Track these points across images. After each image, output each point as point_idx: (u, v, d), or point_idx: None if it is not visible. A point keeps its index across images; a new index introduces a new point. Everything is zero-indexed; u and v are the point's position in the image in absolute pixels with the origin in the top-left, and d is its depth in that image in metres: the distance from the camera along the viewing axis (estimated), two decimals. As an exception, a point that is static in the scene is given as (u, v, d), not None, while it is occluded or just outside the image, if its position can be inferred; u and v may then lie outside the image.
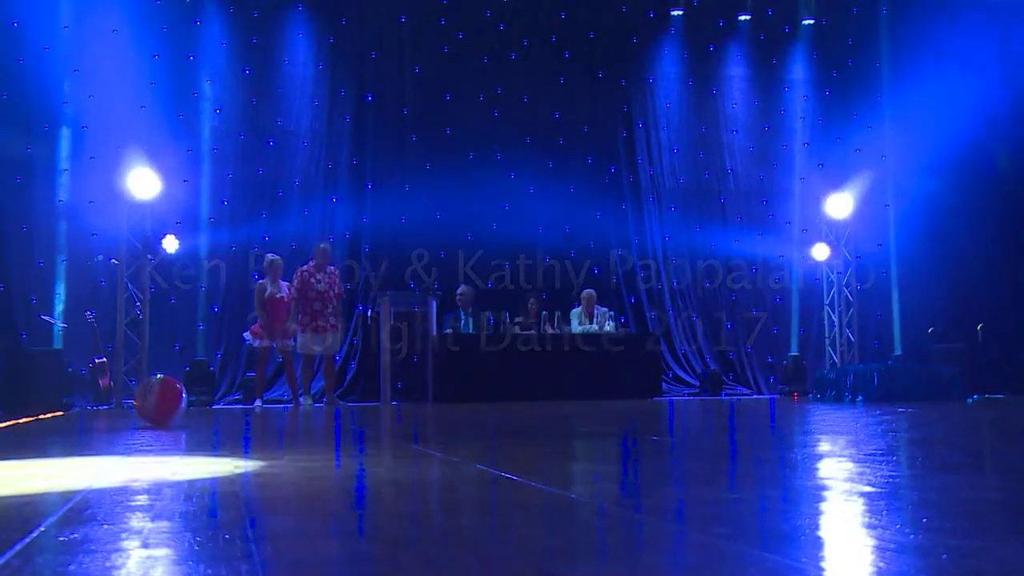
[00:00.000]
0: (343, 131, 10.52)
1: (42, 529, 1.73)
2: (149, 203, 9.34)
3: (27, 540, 1.60)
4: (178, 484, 2.44)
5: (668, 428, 4.81)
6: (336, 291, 9.13)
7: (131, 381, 9.07)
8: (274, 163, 10.27)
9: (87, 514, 1.93)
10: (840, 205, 10.88)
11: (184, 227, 9.73)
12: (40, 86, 9.55)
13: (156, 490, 2.30)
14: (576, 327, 10.03)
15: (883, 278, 11.38)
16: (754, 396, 10.60)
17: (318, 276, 9.04)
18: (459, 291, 10.02)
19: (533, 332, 9.94)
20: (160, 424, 5.19)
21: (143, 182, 9.14)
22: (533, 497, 2.15)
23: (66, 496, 2.22)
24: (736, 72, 11.73)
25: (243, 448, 3.68)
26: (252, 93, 10.26)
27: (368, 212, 10.57)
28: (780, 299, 11.38)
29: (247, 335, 9.09)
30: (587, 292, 10.23)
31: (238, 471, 2.74)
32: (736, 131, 11.58)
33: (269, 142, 10.31)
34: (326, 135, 10.48)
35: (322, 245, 9.17)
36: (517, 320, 10.09)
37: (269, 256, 9.15)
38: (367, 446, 3.90)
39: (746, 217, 11.39)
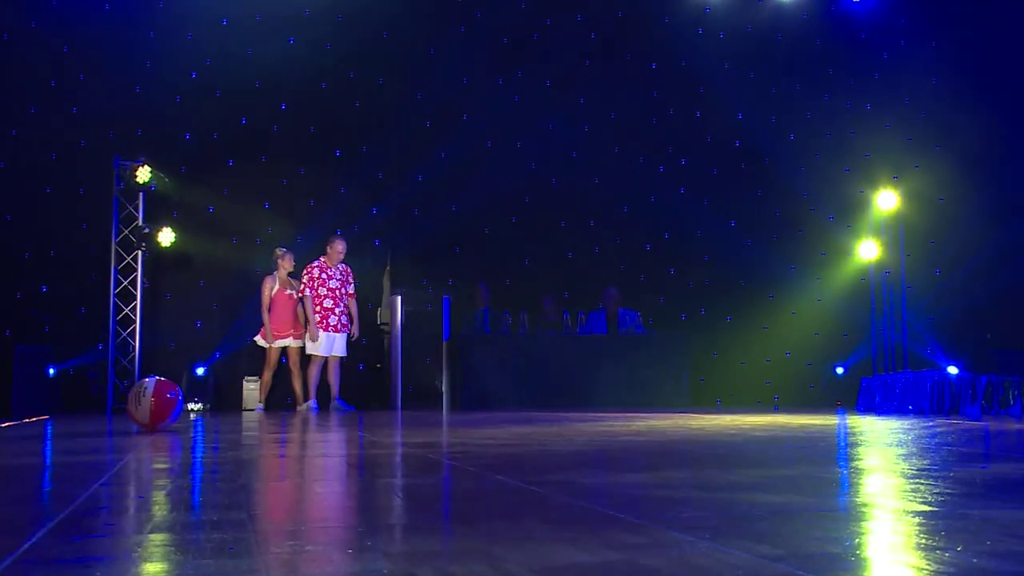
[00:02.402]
0: (351, 115, 10.50)
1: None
2: (143, 192, 9.40)
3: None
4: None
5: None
6: (348, 290, 9.15)
7: (123, 384, 9.12)
8: (278, 151, 10.29)
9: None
10: (889, 199, 10.77)
11: (181, 218, 9.78)
12: (25, 64, 9.62)
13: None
14: (599, 327, 9.99)
15: (935, 279, 11.25)
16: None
17: (330, 272, 9.06)
18: (478, 288, 10.03)
19: (554, 333, 9.92)
20: (154, 429, 5.21)
21: (137, 170, 9.20)
22: None
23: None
24: (776, 52, 11.62)
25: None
26: (255, 75, 10.26)
27: (379, 203, 10.56)
28: (821, 300, 11.27)
29: (257, 338, 9.15)
30: (610, 289, 10.20)
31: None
32: (774, 117, 11.47)
33: (272, 127, 10.32)
34: (333, 120, 10.47)
35: (336, 239, 9.18)
36: (536, 320, 10.08)
37: (278, 249, 9.20)
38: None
39: (785, 212, 11.28)
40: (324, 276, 9.04)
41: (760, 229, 11.17)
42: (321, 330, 9.00)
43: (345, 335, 9.16)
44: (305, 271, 9.09)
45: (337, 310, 9.07)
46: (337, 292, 9.07)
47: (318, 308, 9.02)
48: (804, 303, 11.18)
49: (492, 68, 10.97)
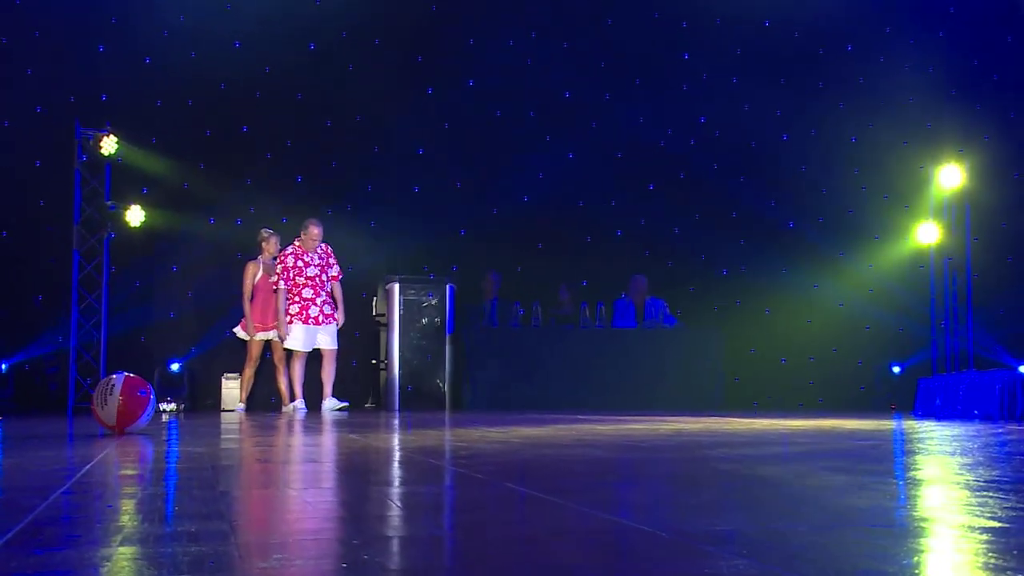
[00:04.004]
0: (344, 81, 10.49)
1: None
2: (109, 165, 9.42)
3: None
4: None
5: None
6: (331, 274, 9.14)
7: (87, 381, 9.16)
8: (261, 118, 10.30)
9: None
10: (953, 175, 10.69)
11: (152, 194, 9.80)
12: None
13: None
14: (623, 320, 9.99)
15: (1006, 266, 11.19)
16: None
17: (307, 258, 9.04)
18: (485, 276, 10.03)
19: (571, 326, 9.92)
20: (122, 432, 5.23)
21: (102, 140, 9.22)
22: None
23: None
24: (825, 8, 11.55)
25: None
26: (235, 33, 10.25)
27: (373, 180, 10.56)
28: (873, 290, 11.23)
29: (237, 329, 9.17)
30: (636, 277, 10.19)
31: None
32: (822, 82, 11.40)
33: (256, 93, 10.32)
34: (324, 85, 10.47)
35: (311, 223, 9.10)
36: (551, 311, 10.08)
37: (263, 231, 9.21)
38: None
39: (832, 190, 11.22)
40: (301, 264, 9.03)
41: (804, 209, 11.12)
42: (300, 322, 9.00)
43: (332, 326, 9.15)
44: (278, 260, 9.02)
45: (319, 300, 9.06)
46: (317, 280, 9.06)
47: (296, 299, 9.00)
48: (853, 293, 11.14)
49: (502, 26, 10.94)
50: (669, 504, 2.56)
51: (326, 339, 9.14)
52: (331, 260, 9.22)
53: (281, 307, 9.01)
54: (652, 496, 2.79)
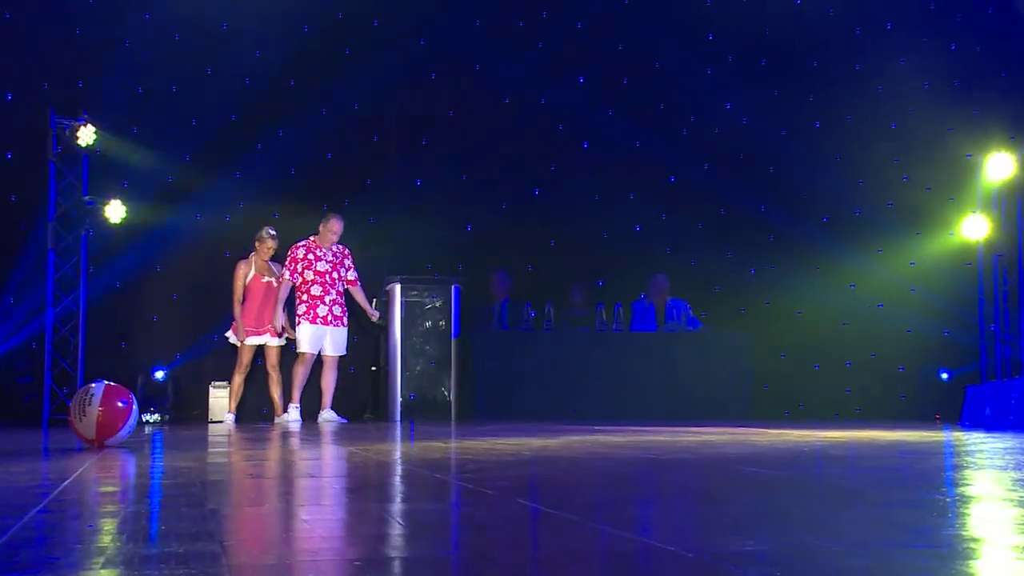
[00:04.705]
0: (340, 65, 10.51)
1: None
2: (86, 157, 9.44)
3: None
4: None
5: None
6: (348, 276, 9.17)
7: (63, 391, 9.19)
8: (252, 107, 10.31)
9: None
10: (1004, 164, 10.64)
11: (133, 189, 9.82)
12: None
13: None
14: (642, 323, 9.99)
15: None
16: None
17: (320, 252, 9.08)
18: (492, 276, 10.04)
19: (586, 330, 9.93)
20: (102, 446, 5.25)
21: (79, 130, 9.24)
22: None
23: None
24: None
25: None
26: (222, 14, 10.27)
27: (372, 173, 10.57)
28: (915, 289, 11.18)
29: (229, 334, 9.21)
30: (657, 277, 10.19)
31: None
32: (858, 64, 11.35)
33: (245, 79, 10.34)
34: (319, 71, 10.48)
35: (333, 218, 9.18)
36: (564, 313, 10.09)
37: (266, 230, 9.17)
38: None
39: (870, 181, 11.17)
40: (311, 257, 9.07)
41: (838, 203, 11.10)
42: (307, 322, 9.02)
43: (341, 330, 9.18)
44: (289, 252, 9.14)
45: (327, 299, 9.08)
46: (328, 277, 9.09)
47: (303, 297, 9.04)
48: (894, 293, 11.09)
49: (511, 7, 10.95)
50: (693, 521, 2.56)
51: (333, 344, 9.14)
52: (348, 262, 9.27)
53: (280, 299, 9.03)
54: (675, 513, 2.79)
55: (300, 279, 9.06)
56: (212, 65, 10.28)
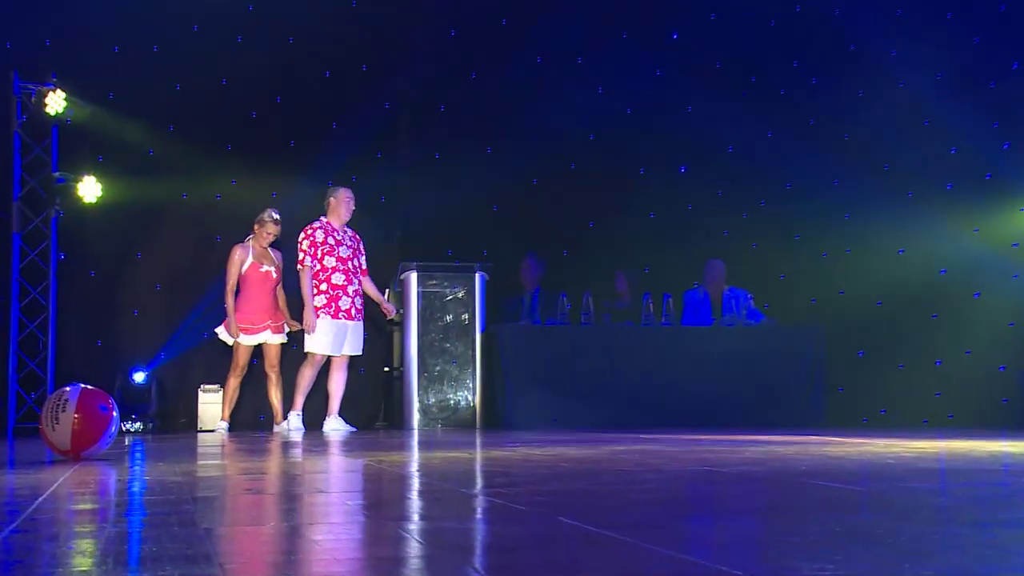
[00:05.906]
0: (345, 20, 10.51)
1: None
2: (56, 128, 9.51)
3: None
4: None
5: None
6: (362, 264, 9.21)
7: (32, 396, 9.27)
8: (244, 69, 10.33)
9: None
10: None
11: (110, 163, 9.88)
12: None
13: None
14: (696, 316, 9.98)
15: None
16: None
17: (339, 236, 9.10)
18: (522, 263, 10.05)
19: (630, 323, 9.92)
20: (78, 457, 5.29)
21: (47, 96, 9.30)
22: None
23: None
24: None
25: None
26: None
27: (384, 144, 10.59)
28: (1018, 276, 11.09)
29: (220, 330, 9.26)
30: (713, 263, 10.17)
31: None
32: (951, 14, 11.25)
33: (237, 37, 10.34)
34: (321, 27, 10.49)
35: (341, 189, 9.21)
36: (606, 305, 10.08)
37: (269, 213, 9.18)
38: None
39: (964, 149, 11.07)
40: (332, 241, 9.06)
41: (927, 175, 11.00)
42: (328, 316, 9.03)
43: (360, 325, 9.21)
44: (303, 235, 9.08)
45: (351, 289, 9.11)
46: (350, 264, 9.12)
47: (322, 287, 9.03)
48: (993, 281, 11.00)
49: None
50: (760, 543, 2.56)
51: (353, 342, 9.16)
52: (361, 248, 9.30)
53: (307, 289, 9.00)
54: (737, 533, 2.79)
55: (318, 266, 9.03)
56: (198, 21, 10.30)
